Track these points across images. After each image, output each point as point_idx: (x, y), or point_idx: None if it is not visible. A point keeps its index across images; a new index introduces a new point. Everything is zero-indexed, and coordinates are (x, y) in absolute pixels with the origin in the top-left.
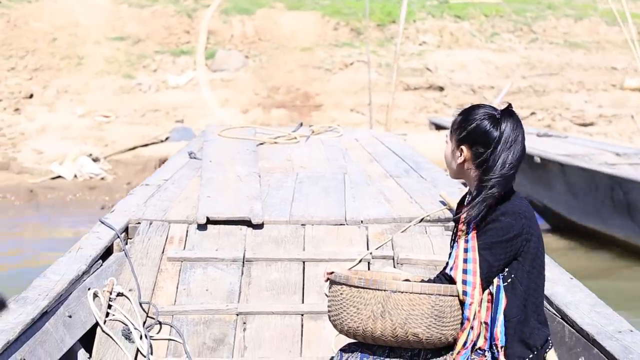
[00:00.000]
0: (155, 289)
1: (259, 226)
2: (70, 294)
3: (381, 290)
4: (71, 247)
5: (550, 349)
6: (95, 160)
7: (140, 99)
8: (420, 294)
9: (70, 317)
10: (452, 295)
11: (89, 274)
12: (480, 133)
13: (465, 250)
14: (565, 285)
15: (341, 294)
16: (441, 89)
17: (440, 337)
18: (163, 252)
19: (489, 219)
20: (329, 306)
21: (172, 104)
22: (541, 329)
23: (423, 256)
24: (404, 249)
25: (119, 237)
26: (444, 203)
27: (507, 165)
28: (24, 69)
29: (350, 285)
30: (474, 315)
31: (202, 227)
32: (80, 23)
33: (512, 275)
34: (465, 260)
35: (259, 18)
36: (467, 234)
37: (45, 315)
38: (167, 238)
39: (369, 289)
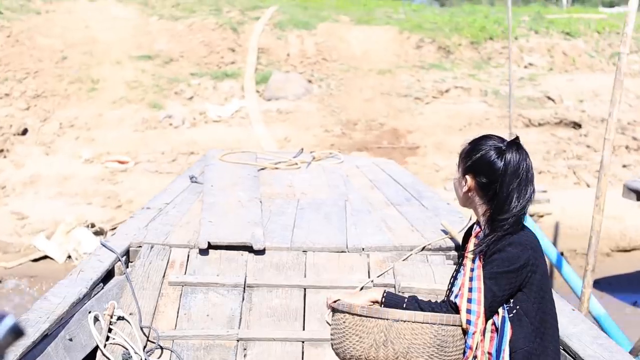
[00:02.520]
0: (156, 313)
1: (261, 252)
2: (71, 317)
3: (384, 319)
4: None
5: None
6: (99, 233)
7: (171, 136)
8: (423, 323)
9: (70, 340)
10: (455, 325)
11: (90, 297)
12: (484, 163)
13: (471, 279)
14: (567, 316)
15: (344, 322)
16: (577, 125)
17: None
18: (164, 276)
19: (495, 248)
20: (331, 334)
21: (213, 144)
22: None
23: (424, 285)
24: (405, 278)
25: (120, 260)
26: (445, 232)
27: (519, 205)
28: (21, 96)
29: (353, 314)
30: (477, 344)
31: (203, 251)
32: (97, 39)
33: (517, 307)
34: (470, 290)
35: (321, 34)
36: (473, 262)
37: (46, 338)
38: (168, 262)
39: (372, 317)
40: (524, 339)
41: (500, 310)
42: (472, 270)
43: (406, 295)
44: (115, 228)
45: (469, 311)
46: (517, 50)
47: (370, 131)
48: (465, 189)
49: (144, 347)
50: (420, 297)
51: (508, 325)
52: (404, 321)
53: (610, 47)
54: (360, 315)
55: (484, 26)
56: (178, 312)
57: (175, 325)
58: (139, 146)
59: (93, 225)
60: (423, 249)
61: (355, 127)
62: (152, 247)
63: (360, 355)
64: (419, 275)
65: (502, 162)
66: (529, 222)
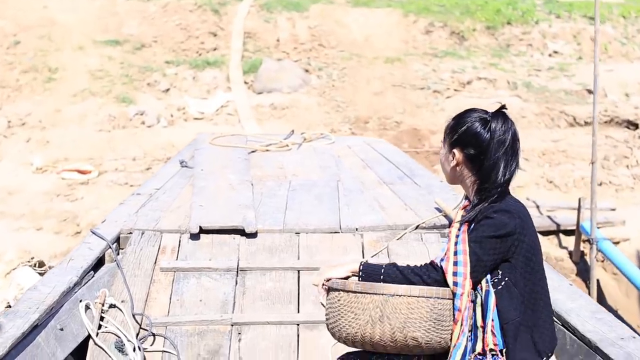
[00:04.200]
0: (148, 300)
1: (253, 235)
2: (62, 306)
3: (379, 294)
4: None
5: (551, 355)
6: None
7: (143, 137)
8: (419, 297)
9: (61, 330)
10: (451, 299)
11: (81, 286)
12: (470, 135)
13: (456, 244)
14: (565, 291)
15: (339, 300)
16: (632, 124)
17: (440, 341)
18: (155, 263)
19: (483, 215)
20: (326, 314)
21: None
22: (552, 336)
23: (419, 263)
24: (400, 257)
25: (110, 247)
26: (439, 210)
27: (507, 173)
28: None
29: (348, 291)
30: (465, 306)
31: (194, 236)
32: (56, 21)
33: (506, 278)
34: (455, 253)
35: (315, 16)
36: (459, 229)
37: (36, 328)
38: (159, 248)
39: (367, 293)
40: (514, 310)
41: (483, 283)
42: (457, 236)
43: None
44: None
45: (454, 273)
46: (540, 36)
47: (385, 131)
48: (453, 163)
49: (137, 334)
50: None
51: (492, 298)
52: (400, 295)
53: (639, 34)
54: (355, 292)
55: (499, 9)
56: (170, 298)
57: (168, 312)
58: (104, 150)
59: (41, 265)
60: (417, 227)
61: (367, 126)
62: (142, 233)
63: (356, 333)
64: (413, 254)
65: (488, 132)
66: (611, 248)
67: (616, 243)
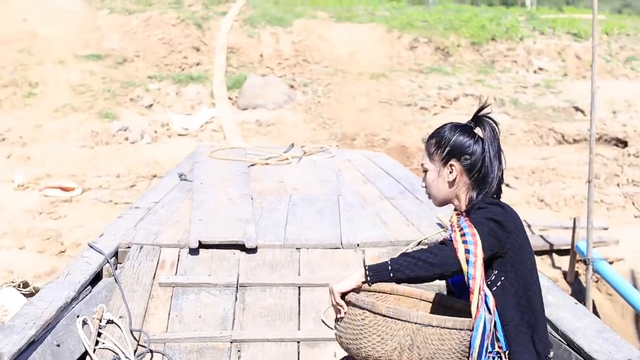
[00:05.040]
0: (146, 316)
1: (253, 250)
2: (59, 321)
3: (412, 322)
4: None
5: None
6: (33, 295)
7: (127, 154)
8: (452, 329)
9: (58, 346)
10: None
11: (78, 301)
12: (462, 144)
13: (461, 228)
14: (570, 310)
15: (363, 319)
16: (620, 142)
17: None
18: (154, 278)
19: (476, 207)
20: (342, 328)
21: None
22: (548, 340)
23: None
24: None
25: (108, 262)
26: (441, 225)
27: (499, 170)
28: None
29: (377, 313)
30: (480, 274)
31: (194, 251)
32: (37, 34)
33: (502, 278)
34: (463, 234)
35: (298, 31)
36: (459, 219)
37: (32, 344)
38: (158, 263)
39: (399, 319)
40: (512, 310)
41: None
42: (459, 221)
43: None
44: None
45: (465, 242)
46: (525, 52)
47: (373, 148)
48: (452, 177)
49: (135, 351)
50: (417, 288)
51: (491, 300)
52: (434, 326)
53: (623, 51)
54: (385, 316)
55: (483, 25)
56: (169, 314)
57: (167, 328)
58: (87, 167)
59: (26, 285)
60: (419, 243)
61: (354, 143)
62: (141, 248)
63: (380, 357)
64: None
65: (477, 137)
66: (607, 268)
67: (610, 263)
